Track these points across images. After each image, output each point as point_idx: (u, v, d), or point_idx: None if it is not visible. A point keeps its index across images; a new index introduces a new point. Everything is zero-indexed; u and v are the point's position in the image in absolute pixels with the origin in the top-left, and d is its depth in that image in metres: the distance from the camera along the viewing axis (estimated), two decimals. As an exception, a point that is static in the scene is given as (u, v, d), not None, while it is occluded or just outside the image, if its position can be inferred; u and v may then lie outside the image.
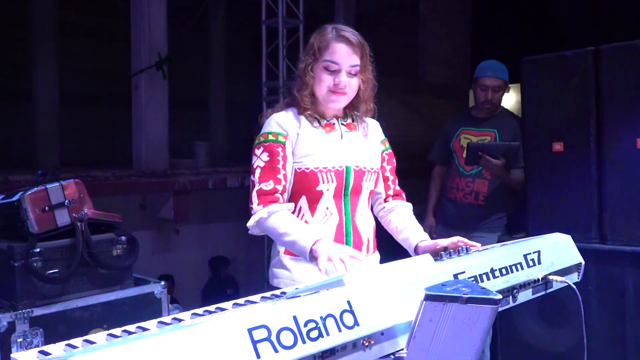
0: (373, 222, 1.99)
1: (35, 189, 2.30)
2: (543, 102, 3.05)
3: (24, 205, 2.25)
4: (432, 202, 3.76)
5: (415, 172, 4.53)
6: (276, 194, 1.81)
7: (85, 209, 2.38)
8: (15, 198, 2.29)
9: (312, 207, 1.86)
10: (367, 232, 1.93)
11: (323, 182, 1.83)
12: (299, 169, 1.85)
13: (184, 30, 6.94)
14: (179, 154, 6.49)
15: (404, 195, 2.09)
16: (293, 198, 1.87)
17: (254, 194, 1.81)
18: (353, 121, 1.98)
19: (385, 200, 2.04)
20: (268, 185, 1.80)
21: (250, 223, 1.82)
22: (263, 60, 5.42)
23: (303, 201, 1.86)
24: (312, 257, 1.66)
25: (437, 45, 7.71)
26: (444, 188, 3.67)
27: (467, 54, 7.97)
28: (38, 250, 2.22)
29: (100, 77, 7.86)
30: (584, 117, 2.88)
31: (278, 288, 1.82)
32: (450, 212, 3.60)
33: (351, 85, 1.85)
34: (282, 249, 1.89)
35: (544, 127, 3.03)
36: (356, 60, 1.84)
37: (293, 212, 1.86)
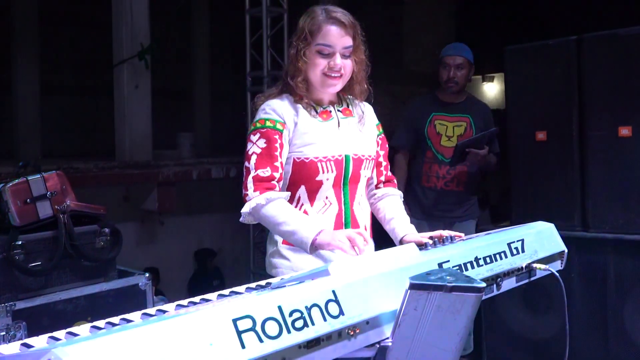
0: (369, 210, 1.99)
1: (16, 180, 2.27)
2: (526, 91, 3.06)
3: (4, 197, 2.22)
4: (401, 188, 3.64)
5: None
6: (273, 181, 1.77)
7: (67, 200, 2.35)
8: (-5, 190, 2.26)
9: (312, 197, 1.84)
10: (365, 220, 1.93)
11: (323, 172, 1.81)
12: (297, 158, 1.82)
13: (166, 19, 6.87)
14: (163, 145, 6.44)
15: (395, 182, 2.08)
16: (291, 188, 1.84)
17: (250, 180, 1.77)
18: (348, 106, 1.96)
19: (377, 187, 2.03)
20: (265, 172, 1.76)
21: (245, 209, 1.76)
22: (247, 50, 5.38)
23: (302, 191, 1.84)
24: (314, 249, 1.66)
25: (422, 35, 7.72)
26: (418, 177, 3.55)
27: (451, 43, 7.99)
28: (20, 242, 2.19)
29: (82, 67, 7.77)
30: (566, 105, 2.91)
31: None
32: (430, 201, 3.52)
33: (346, 67, 1.82)
34: (280, 239, 1.86)
35: (527, 116, 3.05)
36: (349, 41, 1.81)
37: (291, 203, 1.83)
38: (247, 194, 1.77)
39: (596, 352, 2.82)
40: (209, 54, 8.50)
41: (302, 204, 1.84)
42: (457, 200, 3.51)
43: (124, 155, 5.40)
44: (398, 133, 3.64)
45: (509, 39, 3.36)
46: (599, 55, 2.82)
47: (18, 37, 6.91)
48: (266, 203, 1.74)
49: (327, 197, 1.84)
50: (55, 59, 7.59)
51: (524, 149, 3.06)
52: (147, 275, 2.56)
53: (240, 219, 1.81)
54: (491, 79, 13.85)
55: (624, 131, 2.74)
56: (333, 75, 1.81)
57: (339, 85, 1.86)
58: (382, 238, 1.99)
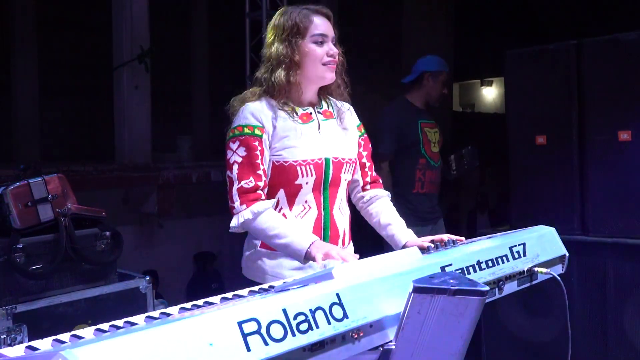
0: (349, 213, 1.97)
1: (18, 183, 2.27)
2: (526, 95, 3.08)
3: (5, 200, 2.22)
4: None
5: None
6: (258, 191, 1.77)
7: (68, 203, 2.35)
8: (-4, 193, 2.26)
9: (291, 200, 1.82)
10: (344, 224, 1.92)
11: (302, 176, 1.80)
12: (277, 161, 1.80)
13: (166, 22, 6.87)
14: (162, 147, 6.43)
15: (381, 182, 2.07)
16: (270, 191, 1.83)
17: (235, 192, 1.77)
18: (328, 107, 1.94)
19: (364, 189, 2.02)
20: (249, 183, 1.76)
21: (233, 224, 1.77)
22: (247, 53, 5.39)
23: (281, 194, 1.83)
24: (307, 259, 1.67)
25: (420, 39, 7.72)
26: (410, 184, 3.56)
27: (450, 47, 8.00)
28: (21, 245, 2.20)
29: (82, 70, 7.76)
30: (566, 110, 2.92)
31: (252, 281, 1.83)
32: (425, 206, 3.57)
33: (338, 55, 1.87)
34: (258, 242, 1.86)
35: (527, 120, 3.06)
36: (334, 32, 1.86)
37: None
38: (234, 207, 1.77)
39: (596, 355, 2.83)
40: (208, 57, 8.49)
41: (281, 208, 1.83)
42: (438, 200, 3.74)
43: (124, 158, 5.39)
44: (383, 141, 3.57)
45: (508, 43, 3.38)
46: (599, 59, 2.83)
47: (17, 39, 6.89)
48: (254, 217, 1.74)
49: (306, 201, 1.83)
50: (55, 61, 7.57)
51: (523, 153, 3.08)
52: (147, 278, 2.57)
53: (230, 231, 1.81)
54: (490, 83, 13.88)
55: (624, 135, 2.75)
56: (331, 62, 1.83)
57: (334, 71, 1.87)
58: (361, 242, 1.99)
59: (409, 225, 3.60)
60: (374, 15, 7.71)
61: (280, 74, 1.82)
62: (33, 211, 2.27)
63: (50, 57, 7.38)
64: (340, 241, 1.89)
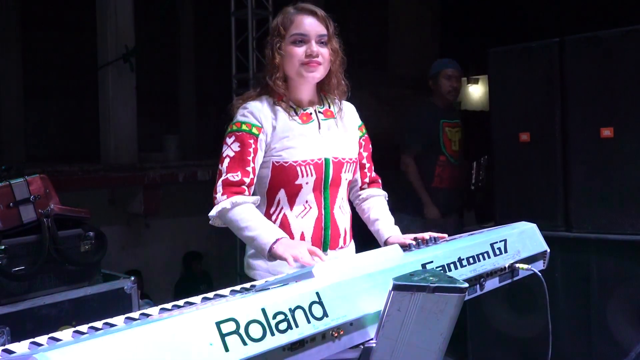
0: (350, 213, 1.98)
1: (-1, 184, 2.25)
2: (509, 93, 3.09)
3: (-13, 201, 2.20)
4: (424, 190, 3.79)
5: (386, 164, 4.52)
6: (242, 186, 1.76)
7: (51, 204, 2.34)
8: (-22, 194, 2.23)
9: (291, 200, 1.82)
10: (345, 223, 1.92)
11: (302, 176, 1.80)
12: (277, 162, 1.80)
13: (151, 21, 6.83)
14: (149, 147, 6.41)
15: (380, 182, 2.08)
16: (271, 192, 1.83)
17: (219, 183, 1.76)
18: (329, 107, 1.93)
19: (362, 188, 2.03)
20: (235, 177, 1.75)
21: (212, 213, 1.76)
22: (233, 52, 5.38)
23: (282, 194, 1.82)
24: (271, 256, 1.65)
25: (406, 37, 7.75)
26: (431, 179, 3.79)
27: (436, 46, 8.03)
28: (3, 247, 2.17)
29: (66, 70, 7.70)
30: (549, 107, 2.94)
31: (253, 279, 1.82)
32: (443, 201, 3.79)
33: (324, 55, 1.80)
34: None
35: (510, 117, 3.08)
36: (323, 30, 1.80)
37: (271, 206, 1.83)
38: (216, 197, 1.75)
39: (579, 351, 2.85)
40: (194, 56, 8.47)
41: (282, 208, 1.83)
42: (460, 196, 3.96)
43: (109, 158, 5.36)
44: (410, 138, 3.85)
45: (491, 42, 3.40)
46: (581, 56, 2.85)
47: (0, 40, 6.84)
48: (231, 207, 1.72)
49: (307, 201, 1.83)
50: (39, 61, 7.52)
51: (507, 150, 3.09)
52: (132, 278, 2.55)
53: (210, 222, 1.80)
54: (476, 81, 13.95)
55: (606, 132, 2.77)
56: (311, 62, 1.78)
57: (318, 73, 1.81)
58: (363, 240, 1.99)
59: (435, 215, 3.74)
60: (361, 14, 7.71)
61: (266, 76, 1.84)
62: (15, 212, 2.24)
63: (34, 57, 7.32)
64: (341, 240, 1.89)
